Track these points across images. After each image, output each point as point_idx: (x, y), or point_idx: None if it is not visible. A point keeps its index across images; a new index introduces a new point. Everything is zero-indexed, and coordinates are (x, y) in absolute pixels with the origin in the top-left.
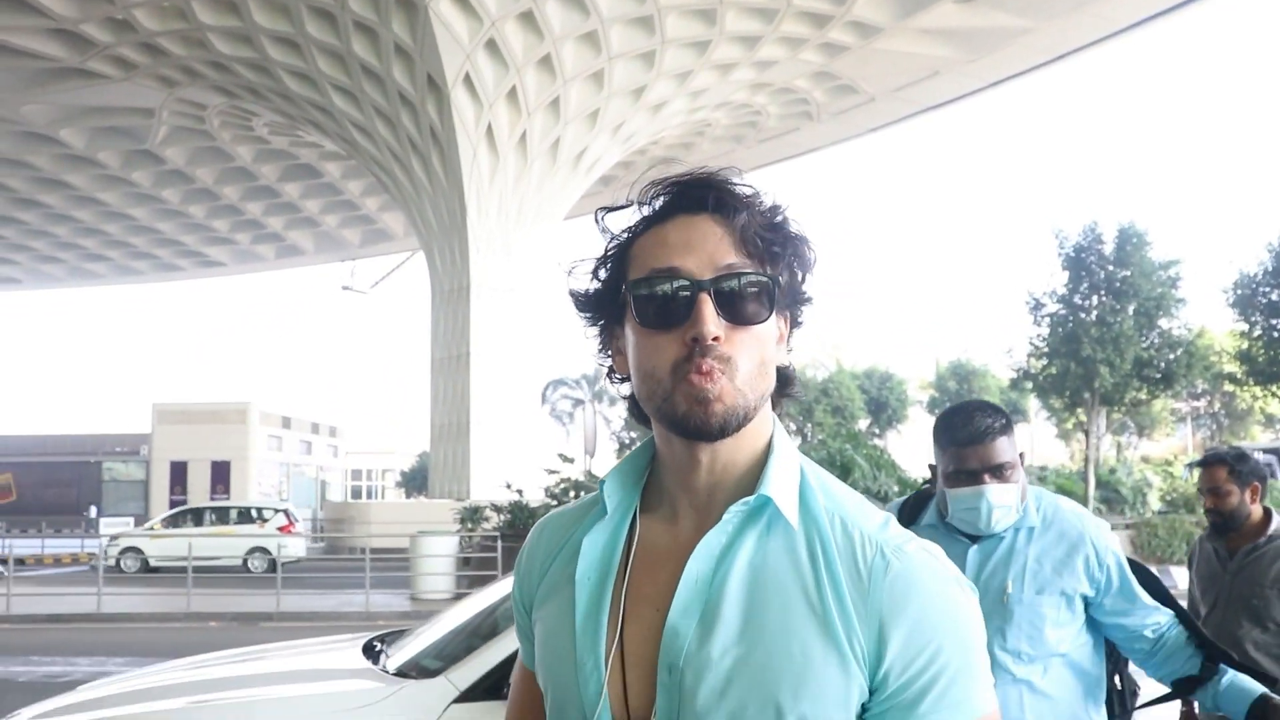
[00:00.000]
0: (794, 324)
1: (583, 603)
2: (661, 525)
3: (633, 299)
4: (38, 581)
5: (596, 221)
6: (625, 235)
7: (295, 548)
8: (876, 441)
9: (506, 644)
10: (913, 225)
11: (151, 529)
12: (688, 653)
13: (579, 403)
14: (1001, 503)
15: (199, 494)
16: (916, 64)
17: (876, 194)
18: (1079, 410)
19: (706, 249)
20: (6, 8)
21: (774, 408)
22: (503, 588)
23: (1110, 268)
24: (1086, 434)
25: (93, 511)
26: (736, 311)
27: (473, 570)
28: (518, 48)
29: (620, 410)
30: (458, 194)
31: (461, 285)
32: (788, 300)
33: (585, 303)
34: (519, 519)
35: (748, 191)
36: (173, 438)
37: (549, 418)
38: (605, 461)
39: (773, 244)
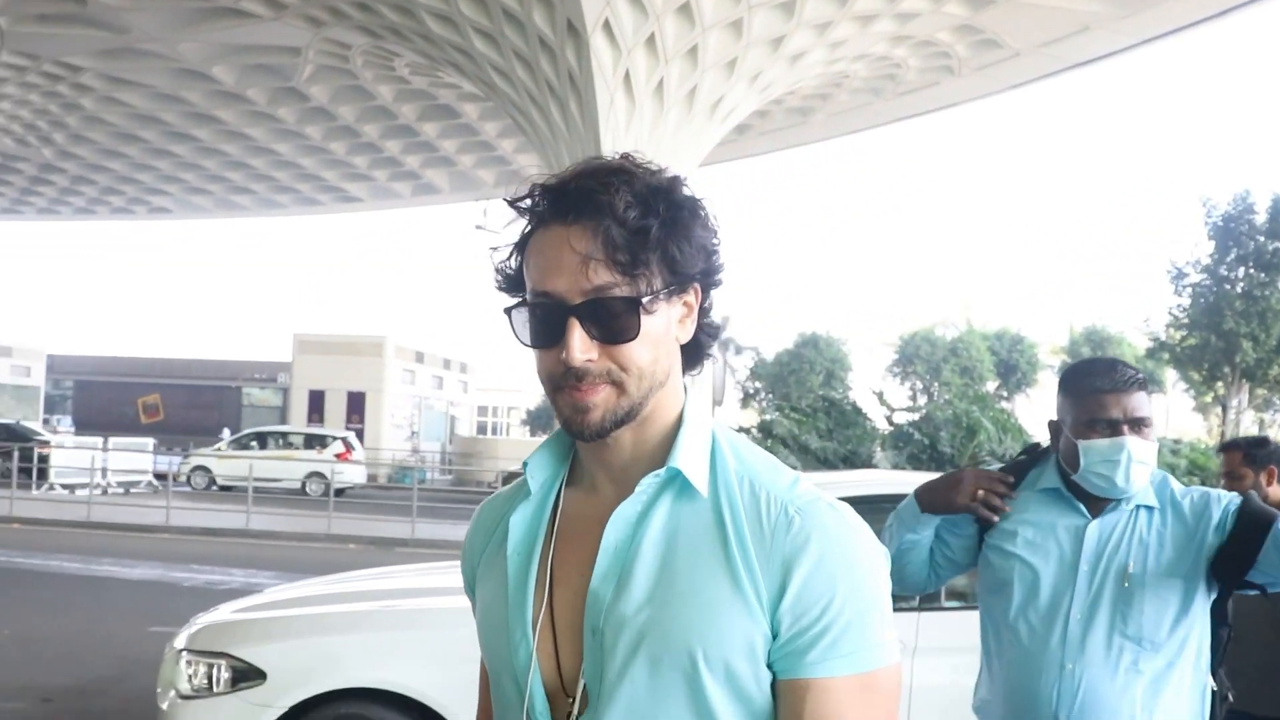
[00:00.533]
0: (706, 290)
1: (513, 576)
2: (583, 497)
3: (513, 319)
4: (188, 496)
5: (508, 203)
6: (524, 238)
7: (352, 474)
8: (1004, 405)
9: None
10: (1053, 185)
11: (219, 449)
12: (605, 613)
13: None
14: (1142, 457)
15: (335, 422)
16: (1066, 19)
17: (1017, 151)
18: (1218, 384)
19: (573, 269)
20: None
21: (689, 372)
22: None
23: (1261, 239)
24: (1224, 409)
25: (225, 434)
26: (607, 331)
27: None
28: None
29: (748, 360)
30: (594, 140)
31: None
32: (676, 282)
33: (503, 287)
34: None
35: (613, 187)
36: (312, 367)
37: None
38: (732, 412)
39: (639, 249)
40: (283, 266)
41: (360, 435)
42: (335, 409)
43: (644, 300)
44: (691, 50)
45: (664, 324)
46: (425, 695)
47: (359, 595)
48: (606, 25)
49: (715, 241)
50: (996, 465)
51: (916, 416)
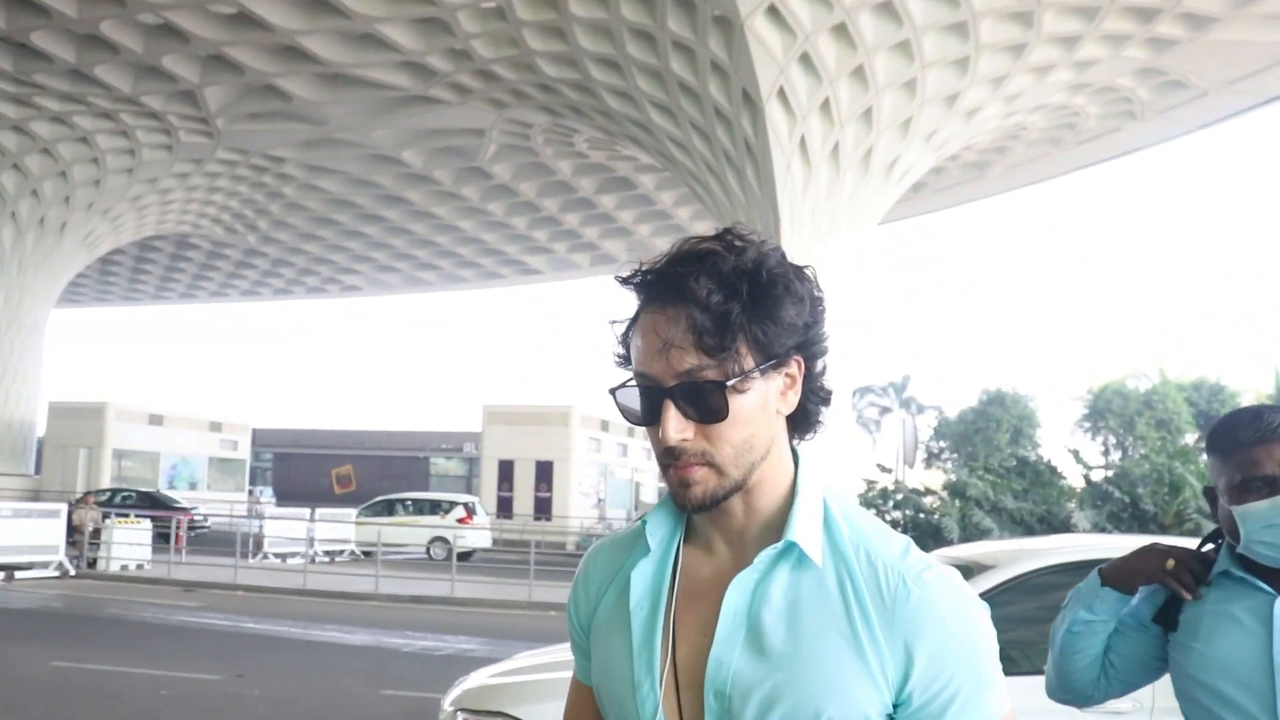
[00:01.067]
0: (809, 359)
1: (638, 630)
2: (702, 557)
3: (618, 398)
4: (395, 565)
5: (619, 282)
6: (636, 311)
7: (475, 538)
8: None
9: None
10: (1247, 225)
11: (356, 519)
12: (734, 679)
13: (885, 410)
14: None
15: (524, 490)
16: (1255, 54)
17: (1208, 192)
18: None
19: (667, 354)
20: (361, 45)
21: (802, 438)
22: None
23: None
24: None
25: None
26: (701, 412)
27: None
28: (831, 60)
29: (930, 419)
30: (771, 205)
31: None
32: (768, 361)
33: (619, 363)
34: None
35: (696, 273)
36: (501, 437)
37: (855, 425)
38: (918, 472)
39: (723, 333)
40: (469, 340)
41: (548, 504)
42: (524, 478)
43: (732, 382)
44: (866, 113)
45: (759, 401)
46: None
47: None
48: (781, 93)
49: (812, 314)
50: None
51: (1112, 473)
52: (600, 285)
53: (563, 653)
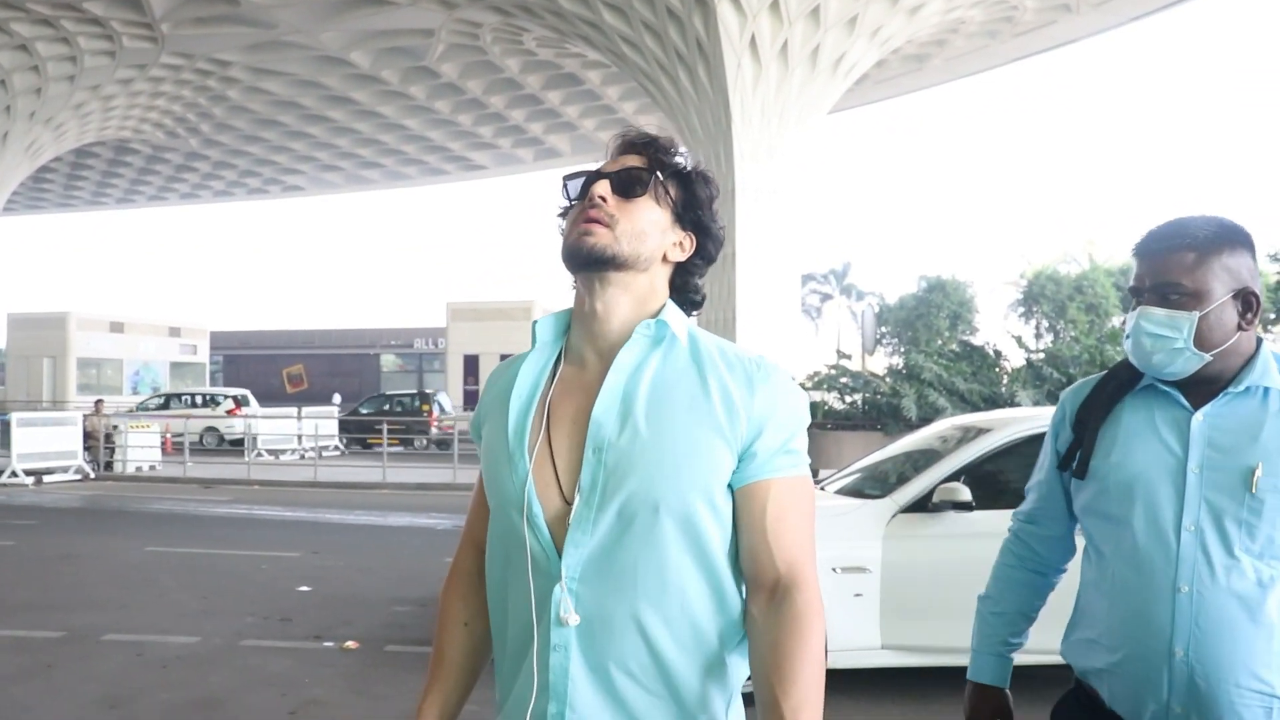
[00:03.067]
0: (700, 248)
1: (514, 414)
2: (574, 369)
3: (566, 183)
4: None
5: (619, 138)
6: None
7: (240, 427)
8: None
9: (934, 473)
10: (1174, 116)
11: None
12: (609, 439)
13: (826, 297)
14: (1154, 330)
15: None
16: None
17: (1136, 84)
18: None
19: (620, 160)
20: None
21: (680, 300)
22: (907, 441)
23: None
24: None
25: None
26: (622, 188)
27: None
28: None
29: (869, 305)
30: (723, 103)
31: (727, 189)
32: (682, 211)
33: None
34: None
35: (663, 140)
36: (465, 333)
37: (799, 311)
38: (880, 360)
39: (664, 163)
40: (423, 238)
41: None
42: (489, 371)
43: (659, 174)
44: (814, 11)
45: (660, 223)
46: None
47: None
48: None
49: (710, 210)
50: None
51: (1043, 355)
52: (544, 180)
53: None
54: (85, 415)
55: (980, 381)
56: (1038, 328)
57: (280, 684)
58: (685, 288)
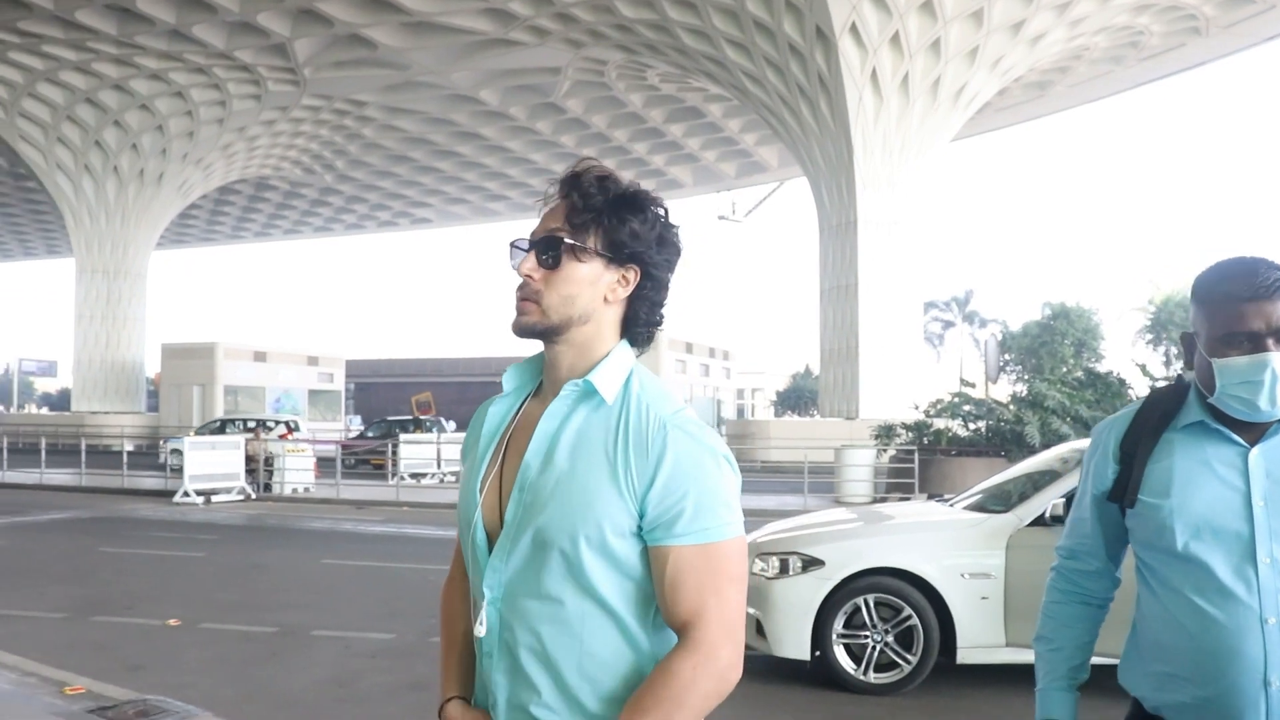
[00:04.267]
0: (645, 275)
1: (479, 452)
2: (537, 406)
3: (511, 250)
4: None
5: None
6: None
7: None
8: None
9: (1052, 491)
10: None
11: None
12: (531, 480)
13: (949, 324)
14: None
15: None
16: None
17: (1269, 105)
18: None
19: (546, 222)
20: None
21: (628, 336)
22: (1029, 464)
23: None
24: None
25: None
26: (543, 257)
27: (888, 479)
28: None
29: (992, 332)
30: (844, 135)
31: (848, 220)
32: (612, 253)
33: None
34: (924, 435)
35: (586, 177)
36: None
37: (920, 340)
38: (1003, 387)
39: (586, 212)
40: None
41: None
42: None
43: (570, 241)
44: (934, 44)
45: (592, 275)
46: (920, 569)
47: (852, 520)
48: (853, 28)
49: (659, 243)
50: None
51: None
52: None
53: (826, 516)
54: (247, 440)
55: (1104, 409)
56: (1166, 355)
57: None
58: (638, 318)
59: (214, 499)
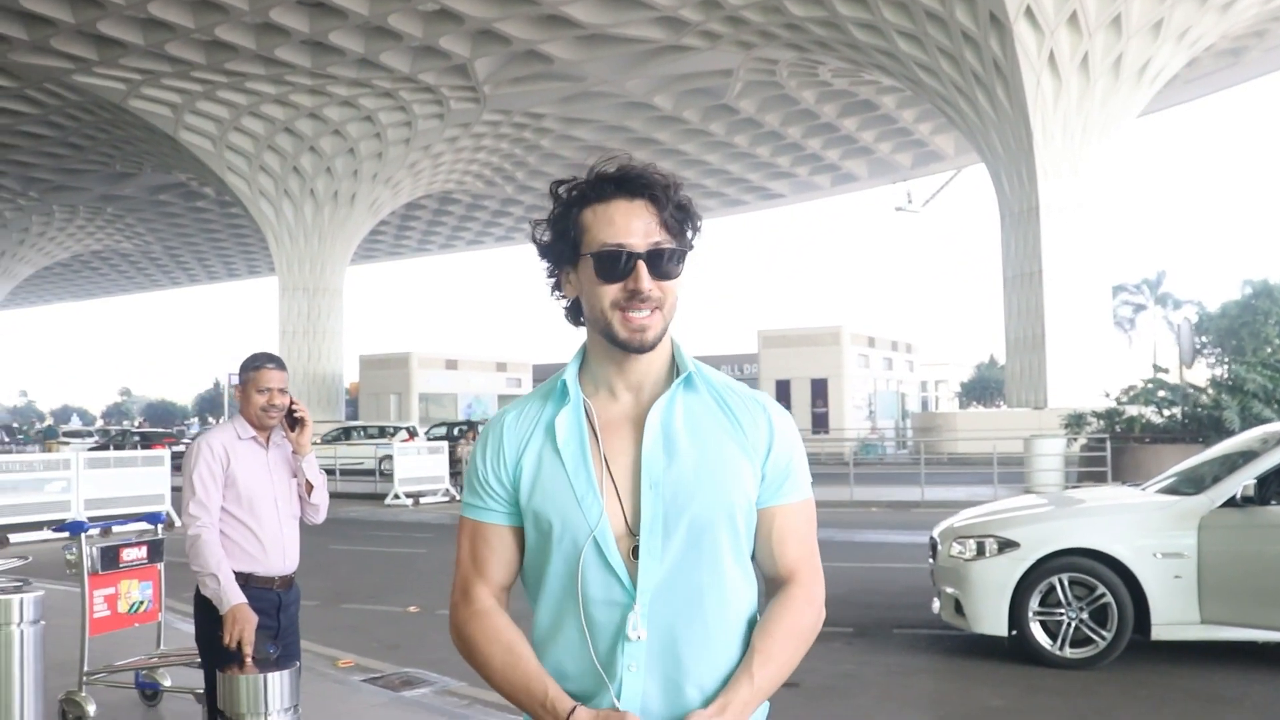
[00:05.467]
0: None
1: (570, 460)
2: (607, 403)
3: (594, 260)
4: None
5: (552, 194)
6: (572, 207)
7: None
8: None
9: (1245, 474)
10: None
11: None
12: (660, 475)
13: (1140, 308)
14: None
15: (801, 407)
16: None
17: None
18: None
19: (644, 229)
20: (618, 6)
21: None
22: (1226, 445)
23: None
24: None
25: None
26: (662, 272)
27: (1080, 468)
28: None
29: (1186, 314)
30: (1023, 121)
31: (1030, 206)
32: (688, 251)
33: (544, 250)
34: (1116, 423)
35: (666, 183)
36: (776, 359)
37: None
38: (1200, 371)
39: (683, 224)
40: (724, 268)
41: (825, 418)
42: (800, 395)
43: (687, 252)
44: (1115, 20)
45: (680, 278)
46: (1112, 550)
47: (1044, 505)
48: (1029, 11)
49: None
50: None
51: None
52: (842, 204)
53: (1018, 502)
54: (455, 444)
55: None
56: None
57: None
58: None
59: (422, 500)
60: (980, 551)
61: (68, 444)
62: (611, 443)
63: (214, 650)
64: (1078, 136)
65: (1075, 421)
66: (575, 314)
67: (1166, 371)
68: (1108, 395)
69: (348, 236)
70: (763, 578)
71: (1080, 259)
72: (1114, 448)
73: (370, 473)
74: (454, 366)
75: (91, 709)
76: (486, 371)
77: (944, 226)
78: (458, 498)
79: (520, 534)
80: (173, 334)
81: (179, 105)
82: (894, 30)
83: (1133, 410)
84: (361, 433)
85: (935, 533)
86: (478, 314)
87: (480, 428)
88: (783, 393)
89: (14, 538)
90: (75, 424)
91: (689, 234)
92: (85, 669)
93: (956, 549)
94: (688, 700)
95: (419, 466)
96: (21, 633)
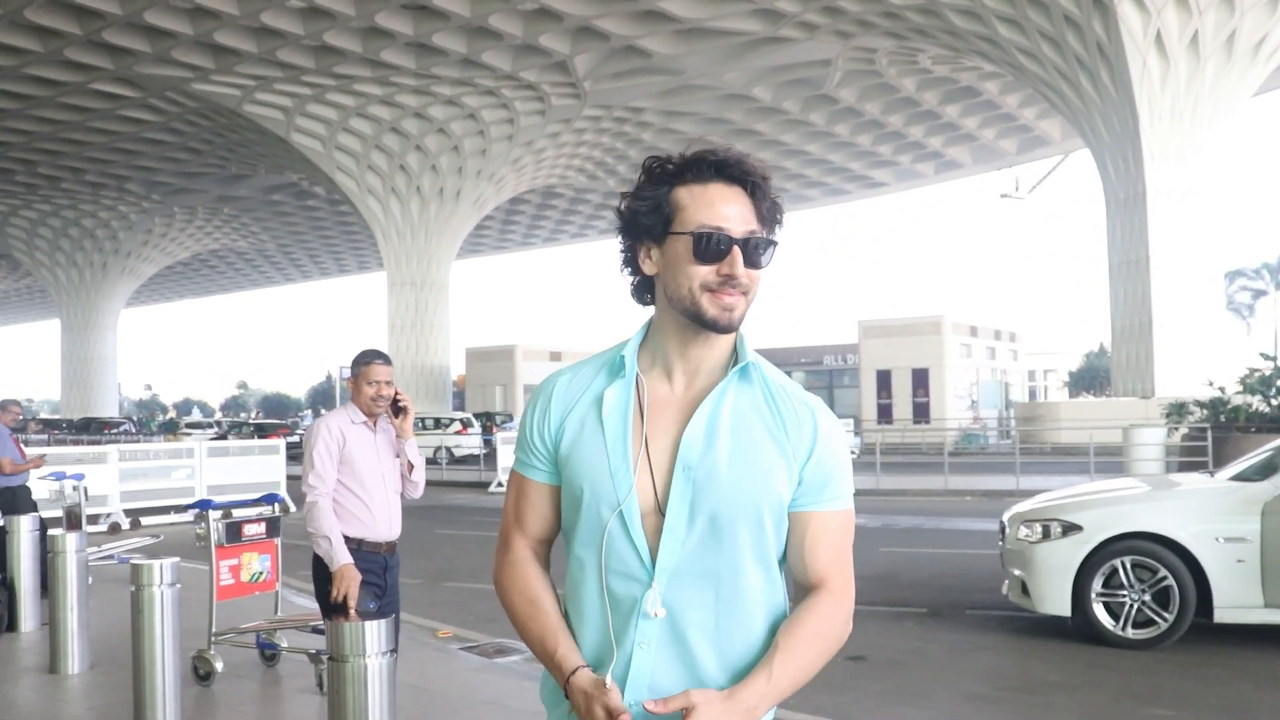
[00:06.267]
0: None
1: (613, 432)
2: (660, 383)
3: (693, 239)
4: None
5: (645, 168)
6: (665, 184)
7: (469, 446)
8: None
9: None
10: None
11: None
12: (696, 459)
13: (1259, 294)
14: None
15: (902, 397)
16: None
17: None
18: None
19: (741, 216)
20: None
21: None
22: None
23: None
24: None
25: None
26: (753, 260)
27: (1180, 458)
28: None
29: None
30: (1128, 104)
31: (1136, 192)
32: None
33: (629, 222)
34: (1220, 413)
35: (765, 175)
36: (876, 349)
37: (1225, 310)
38: None
39: (774, 217)
40: (823, 258)
41: (926, 408)
42: (901, 385)
43: (777, 243)
44: None
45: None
46: (1174, 533)
47: (1106, 490)
48: None
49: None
50: None
51: None
52: (946, 192)
53: (1093, 487)
54: None
55: None
56: None
57: None
58: None
59: None
60: (1045, 534)
61: (189, 434)
62: (656, 423)
63: (324, 603)
64: (1187, 119)
65: (1176, 410)
66: (642, 291)
67: (1273, 359)
68: (1211, 384)
69: (453, 232)
70: (793, 583)
71: (1190, 245)
72: (1215, 437)
73: (475, 459)
74: (557, 358)
75: (219, 665)
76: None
77: (1053, 213)
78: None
79: (559, 493)
80: (287, 329)
81: (290, 109)
82: (993, 15)
83: (1239, 399)
84: (418, 424)
85: (1005, 517)
86: (581, 306)
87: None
88: (883, 383)
89: (145, 520)
90: (196, 416)
91: (777, 228)
92: (213, 630)
93: (1023, 532)
94: (699, 685)
95: None
96: (161, 594)
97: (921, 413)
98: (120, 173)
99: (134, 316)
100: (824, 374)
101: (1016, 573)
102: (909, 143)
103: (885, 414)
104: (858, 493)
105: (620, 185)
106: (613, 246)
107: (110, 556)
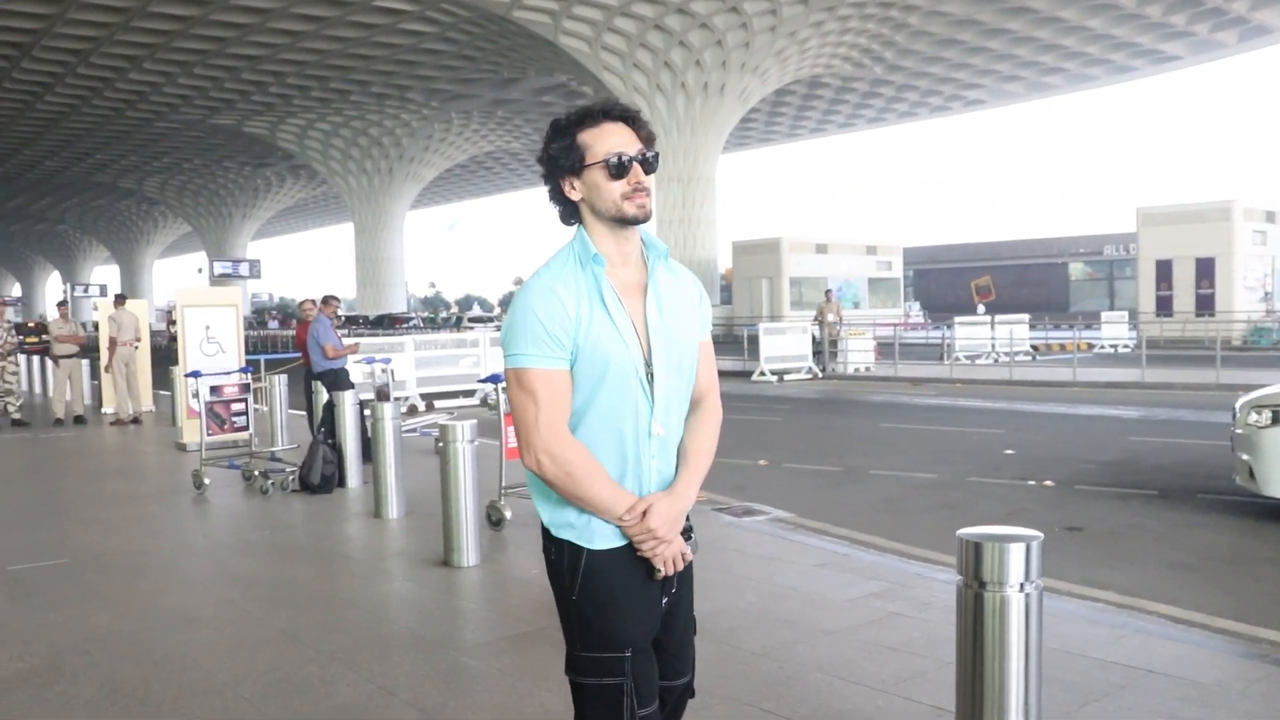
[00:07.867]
0: None
1: (615, 313)
2: (615, 271)
3: (605, 165)
4: (1086, 362)
5: (552, 126)
6: (569, 131)
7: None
8: None
9: None
10: None
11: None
12: (661, 324)
13: None
14: None
15: (1184, 289)
16: None
17: None
18: None
19: (631, 142)
20: None
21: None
22: None
23: None
24: None
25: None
26: (649, 168)
27: None
28: None
29: None
30: None
31: None
32: None
33: (550, 164)
34: None
35: (638, 112)
36: (1156, 238)
37: None
38: None
39: (652, 138)
40: (1103, 142)
41: (1210, 300)
42: (1183, 276)
43: (658, 154)
44: None
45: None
46: None
47: None
48: None
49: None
50: None
51: None
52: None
53: None
54: (813, 324)
55: None
56: None
57: (999, 500)
58: None
59: (786, 378)
60: (1274, 420)
61: (471, 328)
62: (627, 302)
63: None
64: None
65: None
66: (567, 217)
67: None
68: None
69: (718, 126)
70: None
71: None
72: None
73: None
74: (824, 251)
75: (509, 514)
76: (856, 255)
77: None
78: (820, 375)
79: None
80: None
81: (557, 12)
82: None
83: None
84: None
85: (1238, 404)
86: (849, 198)
87: (519, 292)
88: (1163, 273)
89: (438, 403)
90: (476, 311)
91: (654, 144)
92: (503, 484)
93: (1252, 417)
94: (675, 475)
95: (784, 345)
96: (464, 449)
97: (1206, 304)
98: (402, 83)
99: (418, 218)
100: (1104, 264)
101: (1244, 457)
102: (1207, 9)
103: (1165, 306)
104: (1119, 385)
105: (887, 72)
106: (885, 133)
107: (414, 430)
